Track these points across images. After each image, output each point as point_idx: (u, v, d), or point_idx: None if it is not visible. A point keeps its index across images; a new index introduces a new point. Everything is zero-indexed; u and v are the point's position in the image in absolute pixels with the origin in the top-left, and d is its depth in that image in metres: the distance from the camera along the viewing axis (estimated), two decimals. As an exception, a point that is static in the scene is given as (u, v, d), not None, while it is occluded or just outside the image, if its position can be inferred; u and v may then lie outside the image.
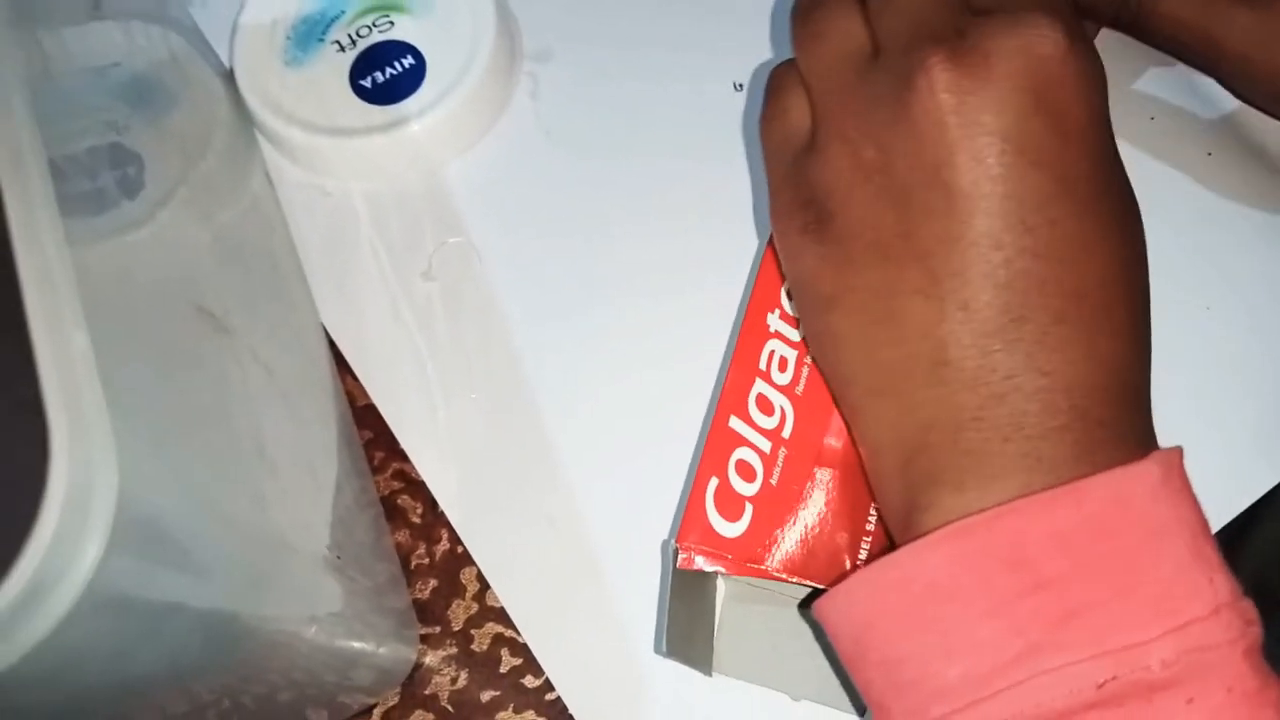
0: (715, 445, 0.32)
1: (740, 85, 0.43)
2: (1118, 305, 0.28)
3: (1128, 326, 0.28)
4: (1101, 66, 0.29)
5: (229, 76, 0.43)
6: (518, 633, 0.38)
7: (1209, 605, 0.25)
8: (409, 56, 0.43)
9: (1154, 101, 0.41)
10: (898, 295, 0.29)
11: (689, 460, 0.38)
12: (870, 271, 0.29)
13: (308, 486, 0.34)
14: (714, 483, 0.32)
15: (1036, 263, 0.27)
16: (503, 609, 0.38)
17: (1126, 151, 0.30)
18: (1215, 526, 0.36)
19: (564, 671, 0.37)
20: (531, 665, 0.37)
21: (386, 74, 0.43)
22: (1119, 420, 0.28)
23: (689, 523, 0.32)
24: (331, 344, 0.41)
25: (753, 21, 0.44)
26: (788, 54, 0.43)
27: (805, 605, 0.35)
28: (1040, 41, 0.27)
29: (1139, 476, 0.26)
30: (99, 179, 0.35)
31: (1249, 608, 0.26)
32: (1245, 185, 0.40)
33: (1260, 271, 0.39)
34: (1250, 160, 0.40)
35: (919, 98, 0.27)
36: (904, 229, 0.28)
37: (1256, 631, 0.26)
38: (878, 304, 0.29)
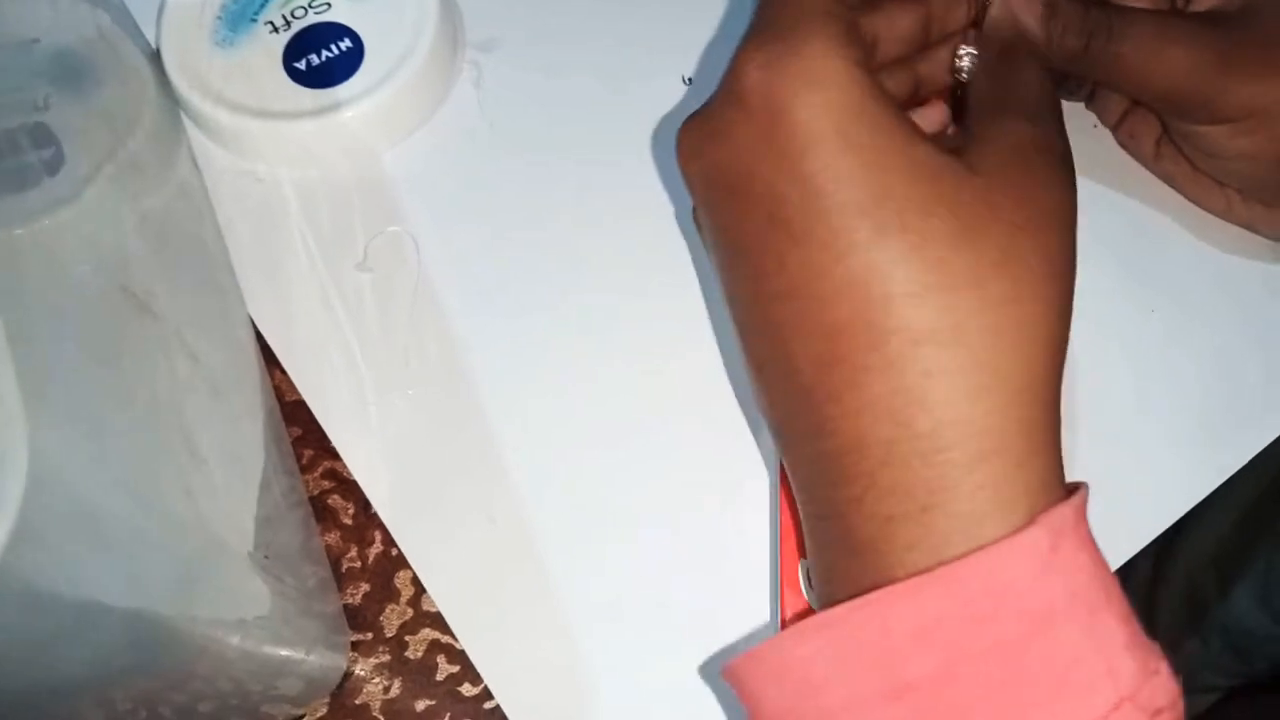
0: (791, 526, 0.31)
1: (689, 79, 0.42)
2: (917, 336, 0.24)
3: (958, 359, 0.24)
4: (829, 73, 0.25)
5: (156, 56, 0.41)
6: (455, 639, 0.36)
7: (1108, 700, 0.23)
8: (346, 39, 0.41)
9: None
10: (745, 360, 0.29)
11: (635, 458, 0.37)
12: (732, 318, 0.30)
13: (235, 482, 0.32)
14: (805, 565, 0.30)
15: (786, 306, 0.25)
16: (439, 614, 0.36)
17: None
18: (1155, 532, 0.36)
19: (503, 679, 0.36)
20: (469, 673, 0.36)
21: (322, 57, 0.41)
22: (958, 477, 0.24)
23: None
24: (259, 337, 0.40)
25: (703, 15, 0.43)
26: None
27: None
28: (733, 92, 0.26)
29: (1019, 551, 0.23)
30: (18, 157, 0.33)
31: (1159, 686, 0.23)
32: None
33: (1202, 276, 0.39)
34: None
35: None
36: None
37: (1170, 717, 0.23)
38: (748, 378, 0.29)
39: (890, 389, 0.24)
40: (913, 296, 0.24)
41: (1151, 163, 0.39)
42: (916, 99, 0.33)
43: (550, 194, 0.41)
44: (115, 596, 0.22)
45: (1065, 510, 0.24)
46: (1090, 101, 0.40)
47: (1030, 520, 0.24)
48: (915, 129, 0.25)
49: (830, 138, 0.24)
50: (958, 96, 0.33)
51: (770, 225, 0.25)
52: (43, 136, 0.34)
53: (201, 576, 0.27)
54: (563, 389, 0.38)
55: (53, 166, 0.33)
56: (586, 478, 0.37)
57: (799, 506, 0.28)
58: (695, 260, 0.40)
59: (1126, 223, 0.39)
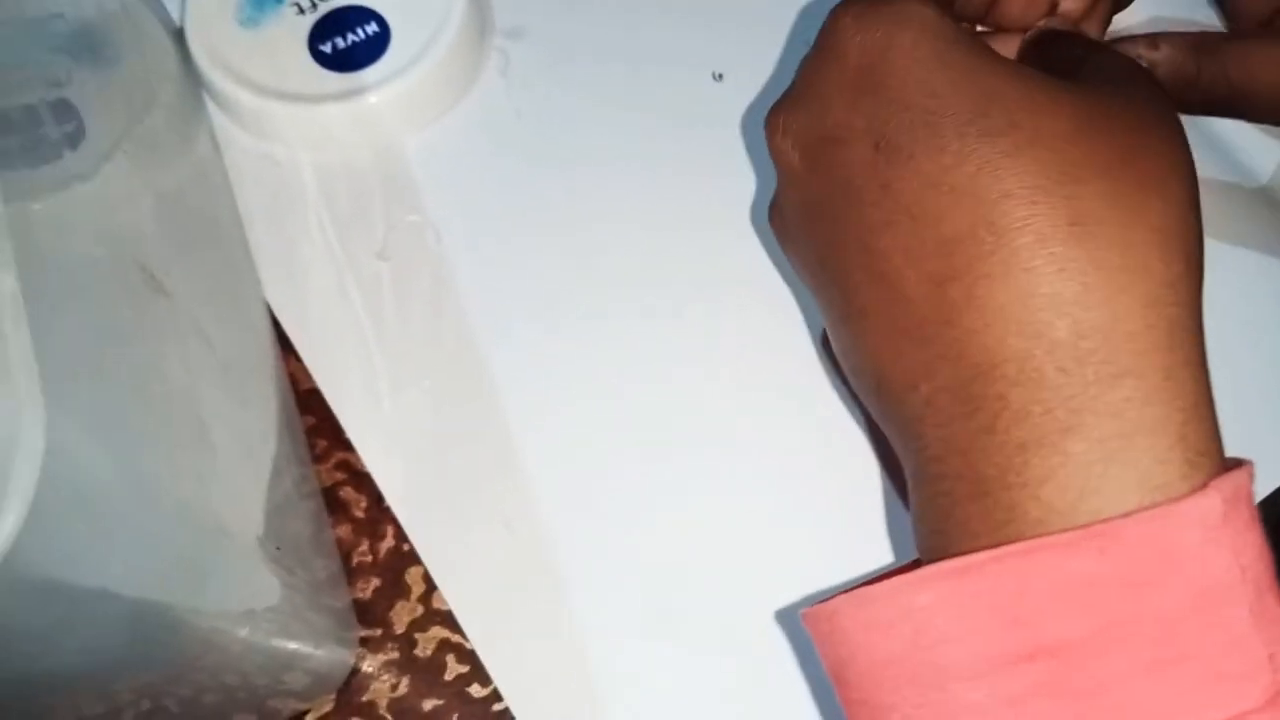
0: None
1: (719, 75, 0.42)
2: (1042, 231, 0.22)
3: (1091, 254, 0.22)
4: (918, 13, 0.25)
5: (179, 34, 0.41)
6: (465, 638, 0.35)
7: (1266, 691, 0.21)
8: (372, 23, 0.41)
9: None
10: (839, 322, 0.27)
11: (653, 463, 0.36)
12: (820, 296, 0.28)
13: (245, 470, 0.31)
14: None
15: (894, 231, 0.24)
16: (450, 612, 0.35)
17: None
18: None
19: (513, 681, 0.35)
20: (479, 673, 0.35)
21: (348, 40, 0.40)
22: (1100, 390, 0.22)
23: None
24: (275, 322, 0.39)
25: (734, 11, 0.42)
26: (767, 47, 0.42)
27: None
28: (827, 48, 0.26)
29: (1189, 516, 0.21)
30: (37, 132, 0.33)
31: None
32: (1227, 208, 0.39)
33: (1253, 295, 0.38)
34: (1233, 182, 0.40)
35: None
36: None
37: None
38: (841, 344, 0.28)
39: (1017, 295, 0.22)
40: (1034, 190, 0.23)
41: None
42: None
43: (575, 186, 0.40)
44: (121, 584, 0.22)
45: (1240, 477, 0.22)
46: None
47: (1203, 485, 0.22)
48: (1007, 57, 0.25)
49: (928, 60, 0.24)
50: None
51: (874, 154, 0.24)
52: (64, 111, 0.34)
53: (210, 566, 0.26)
54: (583, 388, 0.37)
55: (74, 141, 0.32)
56: (604, 480, 0.36)
57: (903, 464, 0.26)
58: (725, 257, 0.39)
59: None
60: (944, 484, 0.24)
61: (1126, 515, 0.21)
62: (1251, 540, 0.22)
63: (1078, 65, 0.27)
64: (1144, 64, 0.30)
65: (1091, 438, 0.22)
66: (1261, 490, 0.35)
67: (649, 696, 0.34)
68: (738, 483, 0.36)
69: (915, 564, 0.25)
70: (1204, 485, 0.22)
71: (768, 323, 0.38)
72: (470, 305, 0.39)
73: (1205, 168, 0.39)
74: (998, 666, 0.22)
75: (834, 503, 0.36)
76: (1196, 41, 0.30)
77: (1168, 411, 0.22)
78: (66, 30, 0.36)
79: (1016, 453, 0.22)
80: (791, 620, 0.33)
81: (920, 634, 0.23)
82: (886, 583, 0.23)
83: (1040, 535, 0.22)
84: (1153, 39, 0.30)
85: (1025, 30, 0.31)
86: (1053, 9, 0.31)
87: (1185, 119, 0.39)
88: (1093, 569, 0.21)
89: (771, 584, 0.35)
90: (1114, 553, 0.21)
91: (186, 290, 0.31)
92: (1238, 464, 0.23)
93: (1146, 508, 0.21)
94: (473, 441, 0.37)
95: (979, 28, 0.32)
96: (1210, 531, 0.21)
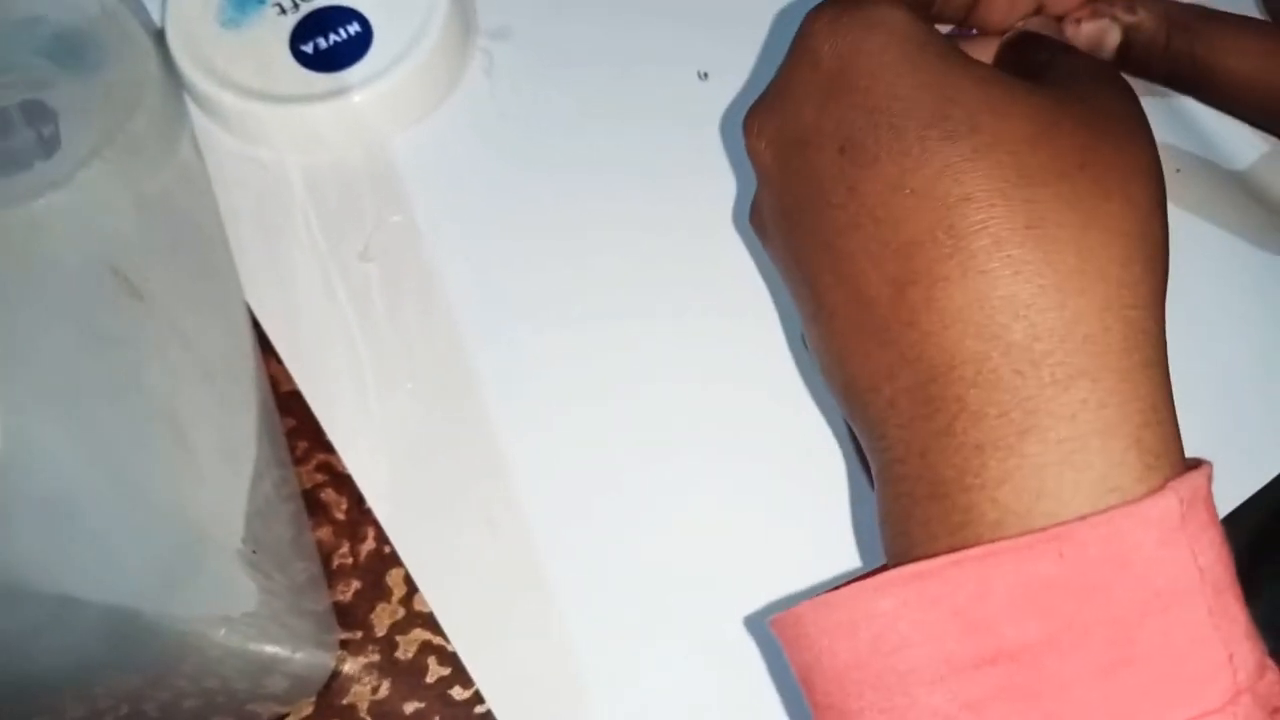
0: None
1: (705, 74, 0.41)
2: (998, 235, 0.22)
3: (1047, 256, 0.22)
4: (890, 16, 0.25)
5: (160, 36, 0.40)
6: (447, 640, 0.35)
7: (1225, 692, 0.21)
8: (355, 23, 0.40)
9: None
10: (810, 322, 0.27)
11: (639, 465, 0.36)
12: (794, 296, 0.28)
13: (224, 473, 0.31)
14: None
15: (858, 233, 0.24)
16: (431, 614, 0.35)
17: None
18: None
19: (495, 683, 0.35)
20: (460, 676, 0.35)
21: (330, 40, 0.40)
22: (1056, 392, 0.22)
23: None
24: (256, 325, 0.39)
25: (719, 10, 0.42)
26: (753, 46, 0.42)
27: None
28: (801, 51, 0.26)
29: (1147, 518, 0.21)
30: (11, 137, 0.33)
31: (1274, 685, 0.22)
32: (1212, 199, 0.39)
33: (1231, 285, 0.38)
34: (1216, 173, 0.40)
35: None
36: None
37: None
38: (813, 344, 0.28)
39: (974, 298, 0.23)
40: (992, 193, 0.23)
41: None
42: None
43: (560, 186, 0.40)
44: (99, 588, 0.22)
45: (1197, 479, 0.22)
46: None
47: (1161, 486, 0.22)
48: (976, 60, 0.25)
49: (896, 64, 0.24)
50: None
51: (840, 157, 0.24)
52: (40, 114, 0.34)
53: (186, 571, 0.26)
54: (568, 390, 0.37)
55: (49, 148, 0.32)
56: (588, 482, 0.36)
57: (871, 464, 0.26)
58: (710, 257, 0.39)
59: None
60: (905, 485, 0.24)
61: (1083, 518, 0.21)
62: (1210, 540, 0.22)
63: (1049, 67, 0.27)
64: (1118, 26, 0.30)
65: (1047, 440, 0.22)
66: (1248, 484, 0.36)
67: (632, 699, 0.34)
68: (724, 485, 0.36)
69: (884, 568, 0.25)
70: (1161, 486, 0.22)
71: (752, 326, 0.38)
72: (456, 306, 0.39)
73: (1188, 152, 0.40)
74: (958, 670, 0.22)
75: (829, 506, 0.36)
76: (1174, 12, 0.30)
77: (1124, 414, 0.22)
78: (48, 34, 0.36)
79: (974, 454, 0.23)
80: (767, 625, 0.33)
81: (881, 639, 0.23)
82: (847, 588, 0.23)
83: (997, 537, 0.22)
84: (1131, 2, 0.30)
85: (1005, 33, 0.31)
86: (1035, 11, 0.31)
87: (1174, 106, 0.39)
88: (1050, 572, 0.21)
89: (759, 587, 0.35)
90: (1071, 555, 0.21)
91: (165, 295, 0.31)
92: (1197, 465, 0.23)
93: (1103, 510, 0.22)
94: (457, 443, 0.37)
95: (975, 30, 0.32)
96: (1167, 533, 0.21)
